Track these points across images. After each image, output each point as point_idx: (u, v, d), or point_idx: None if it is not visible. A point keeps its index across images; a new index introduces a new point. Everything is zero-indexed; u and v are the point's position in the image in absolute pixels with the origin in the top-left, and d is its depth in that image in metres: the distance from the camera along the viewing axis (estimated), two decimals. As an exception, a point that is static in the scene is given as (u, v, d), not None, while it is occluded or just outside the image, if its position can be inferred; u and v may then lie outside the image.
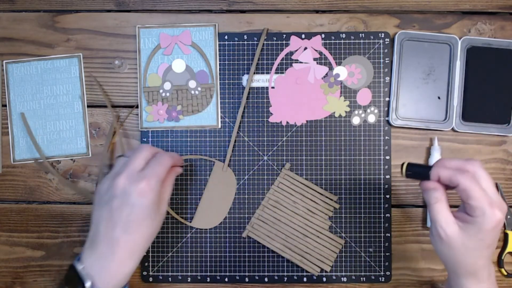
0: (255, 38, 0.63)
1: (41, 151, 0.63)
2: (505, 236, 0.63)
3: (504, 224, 0.63)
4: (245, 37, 0.63)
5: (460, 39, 0.62)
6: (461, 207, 0.48)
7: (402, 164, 0.49)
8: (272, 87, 0.63)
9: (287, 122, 0.63)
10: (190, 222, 0.63)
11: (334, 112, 0.63)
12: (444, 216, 0.45)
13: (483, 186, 0.44)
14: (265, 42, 0.63)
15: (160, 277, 0.63)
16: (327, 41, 0.63)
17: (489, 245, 0.45)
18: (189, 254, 0.63)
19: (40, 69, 0.64)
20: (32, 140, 0.63)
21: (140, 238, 0.49)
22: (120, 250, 0.48)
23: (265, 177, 0.63)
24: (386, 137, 0.63)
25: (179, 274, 0.63)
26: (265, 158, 0.63)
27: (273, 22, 0.63)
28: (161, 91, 0.63)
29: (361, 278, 0.62)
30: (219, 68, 0.63)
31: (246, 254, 0.63)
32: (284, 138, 0.63)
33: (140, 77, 0.63)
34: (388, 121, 0.63)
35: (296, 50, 0.63)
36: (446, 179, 0.45)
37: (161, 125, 0.63)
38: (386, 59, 0.63)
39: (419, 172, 0.48)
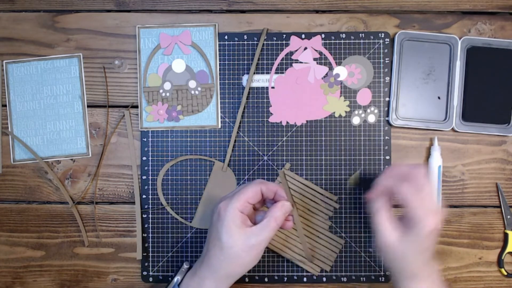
0: (255, 38, 0.63)
1: (37, 155, 0.63)
2: (505, 236, 0.63)
3: (504, 224, 0.63)
4: (245, 37, 0.63)
5: (460, 39, 0.62)
6: (403, 214, 0.52)
7: (353, 174, 0.53)
8: (272, 87, 0.63)
9: (287, 122, 0.63)
10: (190, 222, 0.63)
11: (334, 112, 0.63)
12: (385, 225, 0.50)
13: (422, 195, 0.49)
14: (265, 42, 0.63)
15: (160, 277, 0.63)
16: (327, 41, 0.63)
17: (426, 249, 0.50)
18: (189, 254, 0.63)
19: (40, 69, 0.64)
20: (27, 147, 0.63)
21: None
22: None
23: (265, 177, 0.63)
24: (386, 137, 0.63)
25: (179, 274, 0.63)
26: (265, 158, 0.63)
27: (273, 22, 0.63)
28: (161, 91, 0.63)
29: (361, 278, 0.62)
30: (219, 68, 0.63)
31: (246, 254, 0.63)
32: (284, 138, 0.63)
33: (140, 77, 0.63)
34: (388, 121, 0.63)
35: (296, 50, 0.63)
36: (389, 187, 0.50)
37: (161, 125, 0.63)
38: (386, 59, 0.63)
39: (367, 182, 0.52)
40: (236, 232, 0.49)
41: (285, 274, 0.63)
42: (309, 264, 0.62)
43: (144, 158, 0.63)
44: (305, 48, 0.63)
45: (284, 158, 0.63)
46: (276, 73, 0.63)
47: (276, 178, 0.63)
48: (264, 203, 0.55)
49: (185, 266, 0.56)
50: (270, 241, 0.50)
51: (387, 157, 0.63)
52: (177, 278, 0.55)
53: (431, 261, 0.51)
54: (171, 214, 0.63)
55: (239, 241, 0.49)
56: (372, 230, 0.50)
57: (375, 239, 0.50)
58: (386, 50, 0.63)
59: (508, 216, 0.63)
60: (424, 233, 0.48)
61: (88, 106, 0.64)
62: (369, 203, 0.51)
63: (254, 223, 0.53)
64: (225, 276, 0.50)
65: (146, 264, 0.63)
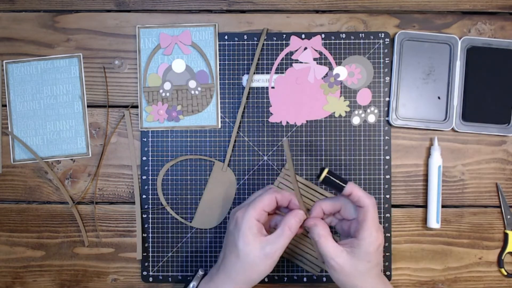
0: (255, 38, 0.63)
1: (37, 155, 0.63)
2: (505, 236, 0.63)
3: (504, 224, 0.63)
4: (245, 37, 0.63)
5: (460, 39, 0.62)
6: (343, 237, 0.54)
7: (322, 169, 0.52)
8: (272, 87, 0.63)
9: (287, 122, 0.63)
10: (190, 222, 0.63)
11: (334, 112, 0.63)
12: (332, 247, 0.50)
13: (362, 213, 0.50)
14: (265, 42, 0.63)
15: (160, 277, 0.63)
16: (327, 41, 0.63)
17: (377, 264, 0.51)
18: (189, 254, 0.63)
19: (40, 69, 0.64)
20: (27, 147, 0.63)
21: None
22: None
23: (265, 177, 0.63)
24: (386, 137, 0.63)
25: (179, 274, 0.63)
26: (265, 158, 0.63)
27: (273, 22, 0.63)
28: (161, 91, 0.63)
29: (361, 278, 0.62)
30: (219, 68, 0.63)
31: (246, 254, 0.63)
32: (284, 138, 0.63)
33: (140, 77, 0.63)
34: (388, 121, 0.63)
35: (296, 50, 0.63)
36: (356, 196, 0.50)
37: (161, 125, 0.63)
38: (386, 59, 0.63)
39: (335, 183, 0.51)
40: (253, 240, 0.50)
41: (285, 274, 0.63)
42: (309, 264, 0.62)
43: (144, 158, 0.63)
44: (305, 48, 0.63)
45: (284, 158, 0.63)
46: (276, 73, 0.63)
47: (276, 178, 0.63)
48: (278, 210, 0.56)
49: (200, 272, 0.57)
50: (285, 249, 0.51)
51: (387, 157, 0.63)
52: (193, 284, 0.56)
53: (381, 275, 0.52)
54: (171, 214, 0.63)
55: (255, 249, 0.50)
56: (321, 254, 0.51)
57: (326, 264, 0.51)
58: (386, 50, 0.63)
59: (508, 216, 0.63)
60: (372, 248, 0.49)
61: (88, 106, 0.64)
62: (309, 230, 0.52)
63: (269, 227, 0.55)
64: (241, 283, 0.51)
65: (146, 264, 0.63)
